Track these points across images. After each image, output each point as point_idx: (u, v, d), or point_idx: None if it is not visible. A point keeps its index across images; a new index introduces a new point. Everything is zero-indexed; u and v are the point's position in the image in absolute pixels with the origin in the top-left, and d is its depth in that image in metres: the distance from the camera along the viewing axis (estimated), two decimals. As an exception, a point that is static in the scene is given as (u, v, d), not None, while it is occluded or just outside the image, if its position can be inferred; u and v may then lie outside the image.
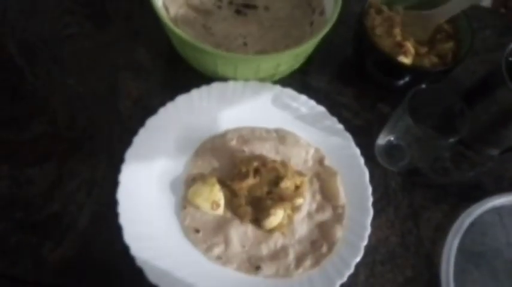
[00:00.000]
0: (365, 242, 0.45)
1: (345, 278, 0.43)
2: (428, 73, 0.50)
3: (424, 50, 0.52)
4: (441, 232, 0.49)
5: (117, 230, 0.43)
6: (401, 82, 0.49)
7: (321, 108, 0.52)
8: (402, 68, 0.49)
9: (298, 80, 0.57)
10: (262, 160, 0.48)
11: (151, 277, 0.41)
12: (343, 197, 0.48)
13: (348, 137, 0.51)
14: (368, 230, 0.46)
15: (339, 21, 0.49)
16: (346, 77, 0.58)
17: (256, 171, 0.47)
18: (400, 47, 0.50)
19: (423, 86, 0.44)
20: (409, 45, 0.51)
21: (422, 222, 0.50)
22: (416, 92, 0.44)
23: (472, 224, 0.49)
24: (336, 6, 0.50)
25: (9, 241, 0.44)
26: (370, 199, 0.47)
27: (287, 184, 0.46)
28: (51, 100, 0.52)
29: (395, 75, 0.49)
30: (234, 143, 0.51)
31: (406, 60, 0.50)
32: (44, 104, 0.52)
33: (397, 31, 0.52)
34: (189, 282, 0.42)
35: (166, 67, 0.56)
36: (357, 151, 0.50)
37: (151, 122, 0.49)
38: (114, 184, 0.45)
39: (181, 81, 0.54)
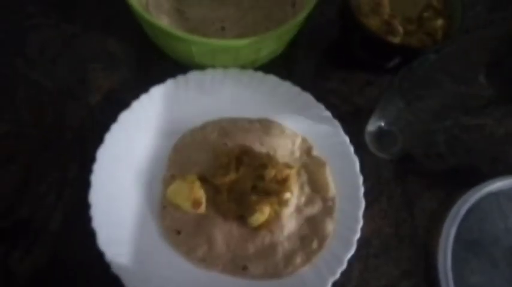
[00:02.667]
0: (357, 236, 0.42)
1: (337, 275, 0.40)
2: (418, 52, 0.46)
3: (412, 27, 0.49)
4: (437, 220, 0.46)
5: (91, 235, 0.39)
6: (390, 63, 0.46)
7: (307, 95, 0.49)
8: (391, 48, 0.46)
9: (281, 66, 0.53)
10: (245, 149, 0.45)
11: (129, 284, 0.38)
12: (332, 188, 0.45)
13: (336, 124, 0.48)
14: (360, 223, 0.43)
15: (323, 0, 0.46)
16: (333, 60, 0.55)
17: (239, 161, 0.44)
18: (388, 25, 0.47)
19: (413, 64, 0.41)
20: (398, 24, 0.47)
21: (417, 211, 0.47)
22: (406, 72, 0.41)
23: (469, 211, 0.46)
24: (319, -16, 0.47)
25: (-28, 252, 0.41)
26: (362, 189, 0.44)
27: (272, 173, 0.43)
28: (14, 96, 0.48)
29: (384, 56, 0.46)
30: (214, 136, 0.48)
31: (394, 39, 0.47)
32: (6, 101, 0.48)
33: (385, 10, 0.48)
34: (171, 287, 0.39)
35: (138, 57, 0.52)
36: (346, 139, 0.47)
37: (125, 117, 0.45)
38: (86, 185, 0.41)
39: (155, 72, 0.50)
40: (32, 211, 0.43)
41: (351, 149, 0.46)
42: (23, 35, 0.52)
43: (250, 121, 0.49)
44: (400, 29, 0.47)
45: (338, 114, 0.49)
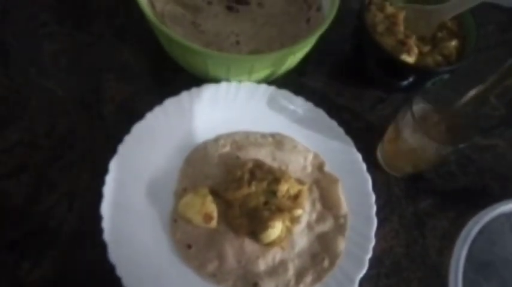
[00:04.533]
0: (369, 255, 0.42)
1: (348, 295, 0.40)
2: (432, 72, 0.47)
3: (427, 48, 0.49)
4: (448, 240, 0.46)
5: (102, 247, 0.39)
6: (404, 82, 0.46)
7: (320, 111, 0.49)
8: (405, 67, 0.46)
9: (295, 81, 0.53)
10: (258, 163, 0.45)
11: (140, 299, 0.37)
12: (344, 206, 0.45)
13: (349, 141, 0.48)
14: (372, 242, 0.43)
15: (336, 18, 0.46)
16: (345, 77, 0.55)
17: (252, 174, 0.44)
18: (402, 45, 0.47)
19: (427, 86, 0.41)
20: (412, 44, 0.48)
21: (428, 231, 0.47)
22: (419, 92, 0.41)
23: (480, 232, 0.46)
24: (334, 2, 0.47)
25: (-18, 261, 0.40)
26: (374, 208, 0.44)
27: (284, 188, 0.43)
28: (28, 105, 0.48)
29: (398, 74, 0.46)
30: (227, 149, 0.48)
31: (409, 59, 0.47)
32: (19, 109, 0.48)
33: (400, 29, 0.49)
34: (181, 303, 0.39)
35: (153, 68, 0.52)
36: (359, 156, 0.47)
37: (138, 129, 0.45)
38: (97, 196, 0.41)
39: (169, 84, 0.50)
40: (43, 222, 0.42)
41: (364, 166, 0.46)
42: (37, 44, 0.52)
43: (263, 135, 0.49)
44: (415, 49, 0.47)
45: (350, 131, 0.49)
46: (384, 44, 0.47)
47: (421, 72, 0.47)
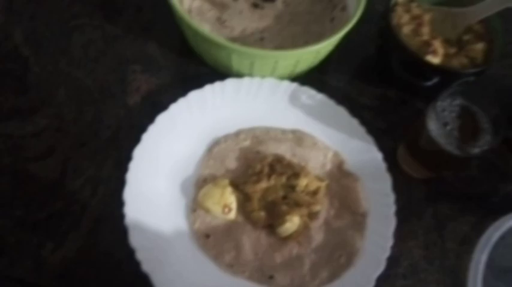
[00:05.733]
0: (387, 254, 0.42)
1: (365, 293, 0.40)
2: (457, 75, 0.46)
3: (453, 50, 0.49)
4: (468, 245, 0.46)
5: (123, 232, 0.40)
6: (428, 83, 0.46)
7: (341, 109, 0.49)
8: (430, 69, 0.46)
9: (316, 79, 0.53)
10: (278, 157, 0.45)
11: (158, 284, 0.38)
12: (363, 204, 0.45)
13: (370, 140, 0.47)
14: (391, 242, 0.42)
15: (361, 19, 0.46)
16: (367, 76, 0.55)
17: (271, 169, 0.44)
18: (428, 46, 0.47)
19: (452, 89, 0.41)
20: (438, 45, 0.47)
21: (448, 234, 0.46)
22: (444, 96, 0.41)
23: (501, 238, 0.45)
24: (360, 2, 0.47)
25: (8, 239, 0.42)
26: (393, 208, 0.44)
27: (303, 183, 0.43)
28: (57, 93, 0.50)
29: (423, 75, 0.46)
30: (247, 143, 0.48)
31: (434, 60, 0.47)
32: (49, 97, 0.50)
33: (425, 30, 0.49)
34: (197, 290, 0.39)
35: (178, 62, 0.53)
36: (379, 156, 0.47)
37: (162, 119, 0.46)
38: (120, 182, 0.42)
39: (193, 77, 0.51)
40: (67, 205, 0.44)
41: (384, 166, 0.46)
42: (68, 35, 0.54)
43: (283, 131, 0.49)
44: (441, 50, 0.47)
45: (371, 131, 0.49)
46: (408, 44, 0.47)
47: (446, 73, 0.46)
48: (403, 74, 0.46)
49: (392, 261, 0.43)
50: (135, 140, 0.44)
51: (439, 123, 0.40)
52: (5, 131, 0.47)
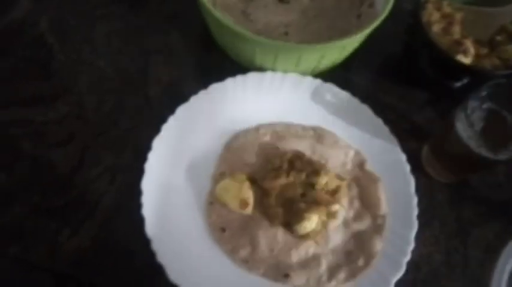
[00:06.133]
0: (407, 258, 0.40)
1: (383, 297, 0.39)
2: (488, 76, 0.45)
3: (484, 51, 0.47)
4: (491, 253, 0.44)
5: (139, 222, 0.40)
6: (457, 84, 0.44)
7: (365, 107, 0.48)
8: (461, 68, 0.44)
9: (339, 77, 0.52)
10: (298, 154, 0.44)
11: (172, 275, 0.38)
12: (384, 206, 0.44)
13: (394, 140, 0.46)
14: (411, 245, 0.41)
15: (388, 16, 0.45)
16: (393, 76, 0.54)
17: (291, 165, 0.43)
18: (459, 45, 0.46)
19: (483, 91, 0.39)
20: (469, 44, 0.46)
21: (471, 240, 0.45)
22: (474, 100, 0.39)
23: (528, 248, 0.43)
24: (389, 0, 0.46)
25: (24, 224, 0.42)
26: (416, 210, 0.43)
27: (323, 181, 0.42)
28: (79, 80, 0.50)
29: (452, 75, 0.44)
30: (267, 138, 0.48)
31: (465, 60, 0.45)
32: (71, 84, 0.50)
33: (456, 29, 0.47)
34: (212, 285, 0.39)
35: (200, 54, 0.53)
36: (403, 157, 0.45)
37: (182, 110, 0.45)
38: (138, 172, 0.42)
39: (215, 70, 0.51)
40: (84, 193, 0.44)
41: (408, 167, 0.45)
42: (92, 24, 0.54)
43: (304, 128, 0.48)
44: (472, 50, 0.46)
45: (394, 131, 0.47)
46: (438, 43, 0.45)
47: (476, 74, 0.45)
48: (432, 73, 0.45)
49: (412, 266, 0.42)
50: (155, 130, 0.44)
51: (468, 125, 0.39)
52: (27, 117, 0.47)
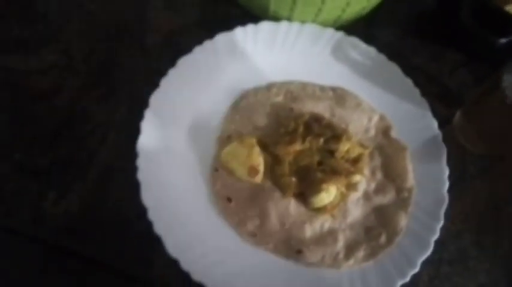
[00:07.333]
0: (436, 236, 0.36)
1: (407, 278, 0.34)
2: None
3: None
4: (526, 233, 0.40)
5: (134, 187, 0.35)
6: (503, 40, 0.38)
7: (393, 66, 0.42)
8: (508, 20, 0.38)
9: (362, 32, 0.46)
10: (316, 116, 0.39)
11: (171, 248, 0.33)
12: (411, 178, 0.39)
13: (425, 104, 0.41)
14: (440, 222, 0.37)
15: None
16: (423, 32, 0.48)
17: (307, 129, 0.38)
18: (508, -5, 0.39)
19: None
20: (521, -5, 0.39)
21: (504, 219, 0.40)
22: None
23: None
24: None
25: (5, 186, 0.37)
26: (446, 184, 0.38)
27: (345, 148, 0.37)
28: (66, 26, 0.44)
29: (500, 30, 0.38)
30: (280, 99, 0.42)
31: (514, 12, 0.39)
32: (57, 30, 0.44)
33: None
34: (214, 260, 0.34)
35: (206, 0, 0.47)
36: (435, 124, 0.40)
37: (184, 63, 0.40)
38: (134, 131, 0.36)
39: (222, 18, 0.45)
40: (72, 152, 0.38)
41: (440, 135, 0.40)
42: (82, -39, 0.47)
43: (322, 88, 0.43)
44: (524, 1, 0.39)
45: (423, 95, 0.42)
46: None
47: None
48: (474, 27, 0.39)
49: (438, 245, 0.37)
50: (153, 84, 0.38)
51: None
52: (6, 64, 0.41)
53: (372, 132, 0.41)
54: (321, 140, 0.38)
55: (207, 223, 0.36)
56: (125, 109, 0.40)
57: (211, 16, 0.46)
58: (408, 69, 0.44)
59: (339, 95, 0.42)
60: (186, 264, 0.33)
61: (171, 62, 0.40)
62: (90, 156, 0.38)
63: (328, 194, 0.37)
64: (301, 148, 0.38)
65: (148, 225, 0.34)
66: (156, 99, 0.38)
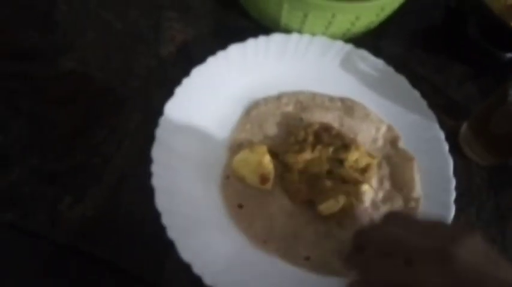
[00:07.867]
0: (442, 246, 0.37)
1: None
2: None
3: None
4: (531, 244, 0.40)
5: (148, 193, 0.36)
6: (509, 55, 0.39)
7: (401, 78, 0.43)
8: (513, 37, 0.39)
9: (371, 45, 0.47)
10: (325, 125, 0.40)
11: (184, 253, 0.34)
12: (418, 188, 0.40)
13: (432, 116, 0.42)
14: (447, 232, 0.37)
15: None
16: (430, 45, 0.49)
17: (317, 138, 0.39)
18: (513, 11, 0.40)
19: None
20: (526, 11, 0.41)
21: (510, 229, 0.41)
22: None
23: None
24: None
25: (22, 189, 0.38)
26: (453, 194, 0.39)
27: (354, 157, 0.38)
28: (84, 35, 0.45)
29: (503, 44, 0.39)
30: (289, 108, 0.43)
31: (520, 28, 0.40)
32: (75, 39, 0.45)
33: (510, -7, 0.42)
34: (225, 265, 0.35)
35: (219, 11, 0.48)
36: (442, 135, 0.41)
37: (198, 73, 0.41)
38: (148, 138, 0.37)
39: (234, 30, 0.46)
40: (88, 157, 0.39)
41: (446, 146, 0.40)
42: (100, -28, 0.49)
43: (331, 99, 0.44)
44: (528, 17, 0.40)
45: (430, 106, 0.43)
46: (492, 7, 0.40)
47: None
48: (481, 42, 0.40)
49: (445, 254, 0.38)
50: (167, 93, 0.39)
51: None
52: (25, 71, 0.42)
53: (380, 142, 0.42)
54: (330, 149, 0.39)
55: (218, 229, 0.37)
56: (139, 117, 0.41)
57: (224, 28, 0.47)
58: (415, 81, 0.45)
59: (347, 106, 0.43)
60: (198, 268, 0.33)
61: (185, 72, 0.41)
62: (106, 161, 0.39)
63: (337, 203, 0.37)
64: (311, 156, 0.39)
65: (161, 229, 0.35)
66: (170, 107, 0.39)
